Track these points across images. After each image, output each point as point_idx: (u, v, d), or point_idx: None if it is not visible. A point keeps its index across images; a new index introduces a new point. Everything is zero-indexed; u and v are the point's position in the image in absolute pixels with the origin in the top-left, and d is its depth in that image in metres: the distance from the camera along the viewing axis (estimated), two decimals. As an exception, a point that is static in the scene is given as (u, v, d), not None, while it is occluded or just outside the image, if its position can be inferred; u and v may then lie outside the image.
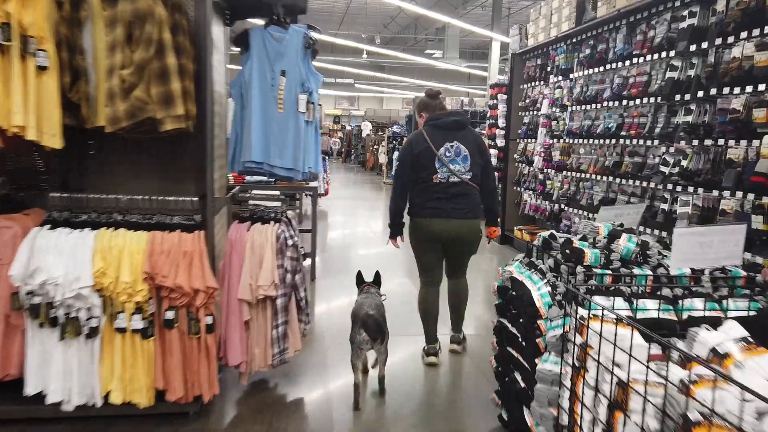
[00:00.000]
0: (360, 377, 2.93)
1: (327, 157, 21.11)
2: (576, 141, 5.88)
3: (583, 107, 5.72)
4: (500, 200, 7.39)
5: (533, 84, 7.10)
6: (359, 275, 3.43)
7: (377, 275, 3.42)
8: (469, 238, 3.37)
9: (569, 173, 6.05)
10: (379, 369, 3.05)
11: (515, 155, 7.49)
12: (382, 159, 17.71)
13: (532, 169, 7.07)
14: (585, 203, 5.62)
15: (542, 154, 6.64)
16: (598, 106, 5.38)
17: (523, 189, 7.30)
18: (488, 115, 8.08)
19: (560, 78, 6.24)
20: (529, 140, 7.16)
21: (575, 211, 5.93)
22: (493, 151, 7.76)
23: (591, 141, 5.58)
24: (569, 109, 6.03)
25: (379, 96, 36.87)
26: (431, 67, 26.00)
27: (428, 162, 3.27)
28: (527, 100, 7.21)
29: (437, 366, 3.48)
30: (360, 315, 2.91)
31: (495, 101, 7.90)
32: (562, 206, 6.20)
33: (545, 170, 6.64)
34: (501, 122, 7.64)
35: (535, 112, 7.05)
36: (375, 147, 19.77)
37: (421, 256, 3.45)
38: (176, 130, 2.52)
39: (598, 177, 5.40)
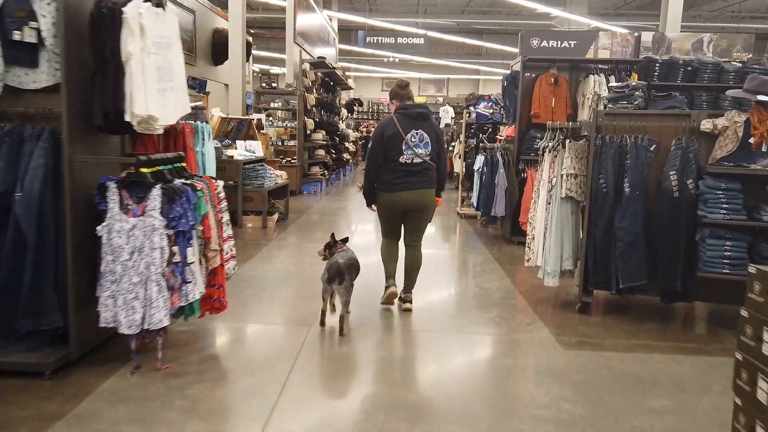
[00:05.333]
0: (326, 306, 3.87)
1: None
2: None
3: None
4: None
5: None
6: (332, 236, 4.17)
7: (345, 239, 4.16)
8: (428, 203, 4.13)
9: None
10: (340, 308, 3.82)
11: None
12: (458, 166, 9.59)
13: None
14: None
15: None
16: None
17: None
18: None
19: None
20: None
21: None
22: None
23: None
24: None
25: (474, 78, 29.32)
26: (545, 28, 17.72)
27: (397, 144, 3.99)
28: None
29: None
30: (330, 263, 3.77)
31: None
32: None
33: None
34: None
35: None
36: (453, 144, 11.76)
37: (388, 222, 4.24)
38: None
39: None
